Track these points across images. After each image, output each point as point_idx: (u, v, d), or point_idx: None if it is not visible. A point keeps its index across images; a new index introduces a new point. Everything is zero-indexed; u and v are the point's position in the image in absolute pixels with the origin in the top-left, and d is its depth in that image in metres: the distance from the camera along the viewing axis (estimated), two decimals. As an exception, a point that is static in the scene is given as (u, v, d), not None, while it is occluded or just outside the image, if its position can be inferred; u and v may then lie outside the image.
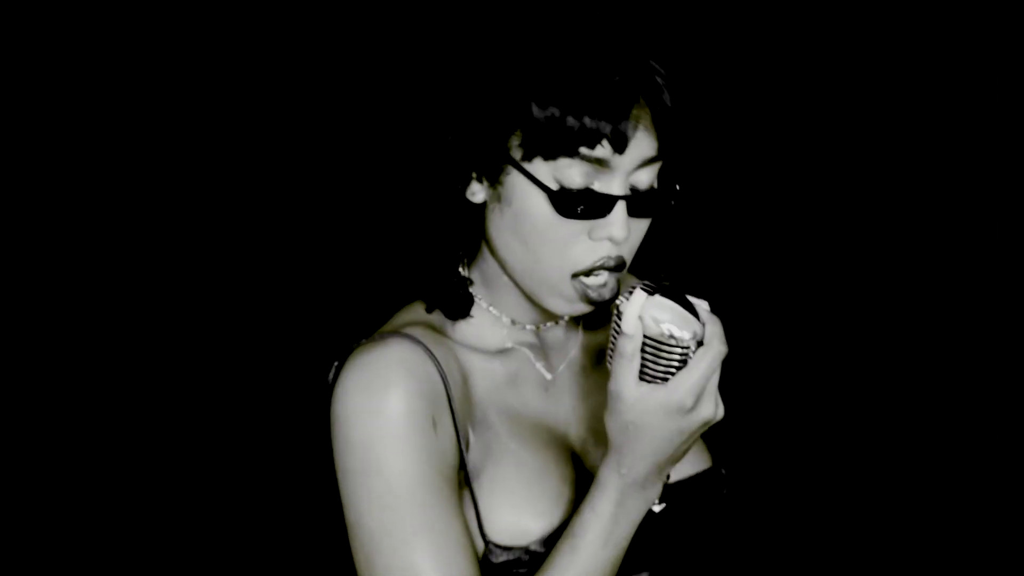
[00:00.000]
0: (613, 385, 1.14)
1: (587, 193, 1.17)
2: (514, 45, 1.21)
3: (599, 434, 1.35)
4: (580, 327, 1.40)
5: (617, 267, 1.22)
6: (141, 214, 2.50)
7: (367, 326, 1.33)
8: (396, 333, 1.23)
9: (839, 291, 2.66)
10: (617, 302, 1.15)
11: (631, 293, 1.13)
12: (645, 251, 1.28)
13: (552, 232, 1.19)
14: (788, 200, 2.67)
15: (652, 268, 1.34)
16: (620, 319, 1.13)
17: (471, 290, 1.32)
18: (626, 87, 1.16)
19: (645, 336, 1.12)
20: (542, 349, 1.35)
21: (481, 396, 1.28)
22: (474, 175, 1.25)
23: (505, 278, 1.29)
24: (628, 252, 1.23)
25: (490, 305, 1.32)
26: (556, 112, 1.15)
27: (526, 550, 1.22)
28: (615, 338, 1.14)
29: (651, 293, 1.13)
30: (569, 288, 1.22)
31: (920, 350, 2.60)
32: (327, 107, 2.50)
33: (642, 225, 1.24)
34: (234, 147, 2.51)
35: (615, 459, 1.16)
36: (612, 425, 1.15)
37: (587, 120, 1.14)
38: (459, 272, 1.31)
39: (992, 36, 2.48)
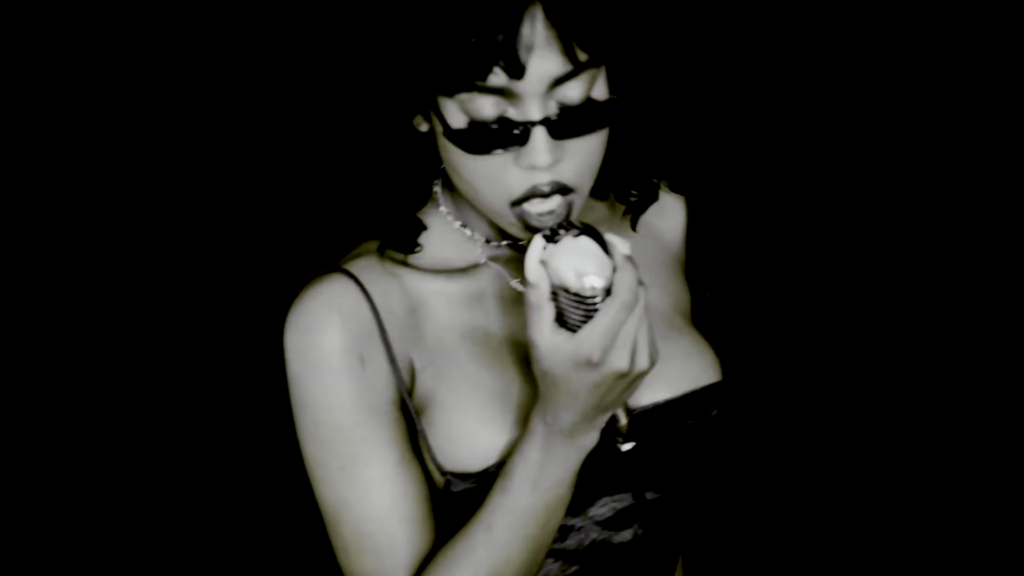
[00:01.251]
0: (529, 333, 1.08)
1: (497, 125, 1.09)
2: None
3: None
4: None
5: (557, 191, 1.12)
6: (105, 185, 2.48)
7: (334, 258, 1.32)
8: (337, 268, 1.22)
9: (838, 285, 2.63)
10: (532, 241, 1.07)
11: (539, 238, 1.07)
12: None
13: (474, 167, 1.13)
14: (793, 193, 2.61)
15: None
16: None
17: (441, 207, 1.28)
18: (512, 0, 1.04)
19: (557, 285, 1.05)
20: (517, 265, 1.28)
21: (438, 321, 1.25)
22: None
23: (465, 203, 1.26)
24: (572, 174, 1.13)
25: (463, 224, 1.28)
26: (438, 46, 1.06)
27: (486, 472, 1.20)
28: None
29: (551, 238, 1.06)
30: (512, 216, 1.14)
31: (919, 345, 2.57)
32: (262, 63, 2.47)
33: (584, 144, 1.12)
34: (197, 106, 2.48)
35: (541, 406, 1.12)
36: (535, 372, 1.10)
37: (470, 49, 1.05)
38: (408, 206, 1.27)
39: (992, 36, 2.45)
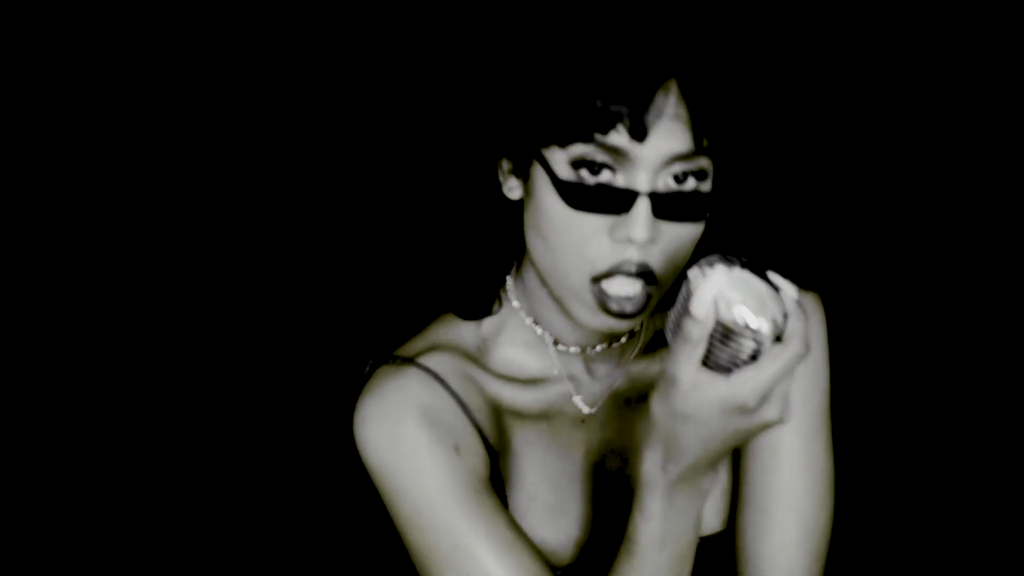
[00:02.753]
0: (671, 368, 1.00)
1: (604, 186, 1.08)
2: (533, 26, 1.13)
3: (634, 470, 1.25)
4: (632, 355, 1.29)
5: (641, 274, 1.09)
6: (167, 218, 2.44)
7: (403, 333, 1.30)
8: (412, 362, 1.22)
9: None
10: (689, 274, 1.00)
11: (708, 267, 0.99)
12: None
13: (567, 228, 1.09)
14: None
15: (733, 245, 1.19)
16: (689, 296, 0.99)
17: (513, 301, 1.25)
18: (652, 66, 1.05)
19: (717, 322, 0.98)
20: (586, 380, 1.27)
21: (507, 426, 1.24)
22: (507, 167, 1.18)
23: (545, 289, 1.21)
24: (660, 262, 1.11)
25: (533, 321, 1.24)
26: (565, 92, 1.06)
27: None
28: (681, 316, 1.00)
29: (729, 266, 0.99)
30: (589, 295, 1.11)
31: (918, 347, 2.46)
32: (348, 105, 2.47)
33: (678, 231, 1.10)
34: (255, 147, 2.47)
35: (659, 453, 1.05)
36: (660, 411, 1.03)
37: (598, 101, 1.04)
38: (496, 276, 1.26)
39: (992, 36, 2.34)
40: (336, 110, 2.37)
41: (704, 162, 1.09)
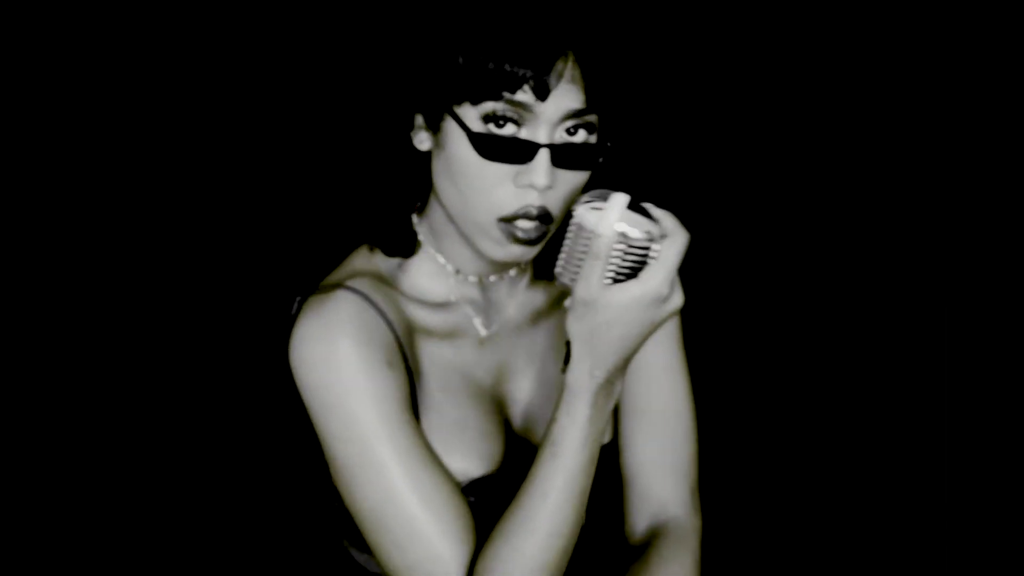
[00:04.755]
0: (583, 290, 1.16)
1: (510, 139, 1.22)
2: None
3: (524, 391, 1.41)
4: (523, 285, 1.44)
5: (541, 216, 1.25)
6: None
7: (320, 270, 1.38)
8: (340, 286, 1.29)
9: (831, 287, 2.66)
10: (575, 211, 1.18)
11: (600, 200, 1.16)
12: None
13: (477, 176, 1.23)
14: (783, 197, 2.65)
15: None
16: (580, 229, 1.16)
17: (420, 238, 1.37)
18: (553, 34, 1.21)
19: (618, 242, 1.16)
20: (483, 305, 1.40)
21: (419, 347, 1.34)
22: (420, 122, 1.30)
23: (450, 227, 1.33)
24: (555, 205, 1.26)
25: (437, 252, 1.37)
26: (481, 57, 1.20)
27: None
28: (574, 247, 1.17)
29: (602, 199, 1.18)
30: (496, 231, 1.25)
31: (917, 349, 2.60)
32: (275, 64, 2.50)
33: (571, 178, 1.26)
34: (190, 98, 2.48)
35: (586, 363, 1.19)
36: (580, 329, 1.18)
37: (508, 65, 1.19)
38: (406, 215, 1.37)
39: (992, 36, 2.46)
40: (259, 62, 2.42)
41: (592, 118, 1.24)
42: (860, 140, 2.61)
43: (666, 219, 1.16)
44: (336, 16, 2.36)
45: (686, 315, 1.45)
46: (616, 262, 1.16)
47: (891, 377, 2.59)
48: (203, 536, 2.42)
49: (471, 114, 1.22)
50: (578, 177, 1.26)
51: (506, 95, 1.20)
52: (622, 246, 1.15)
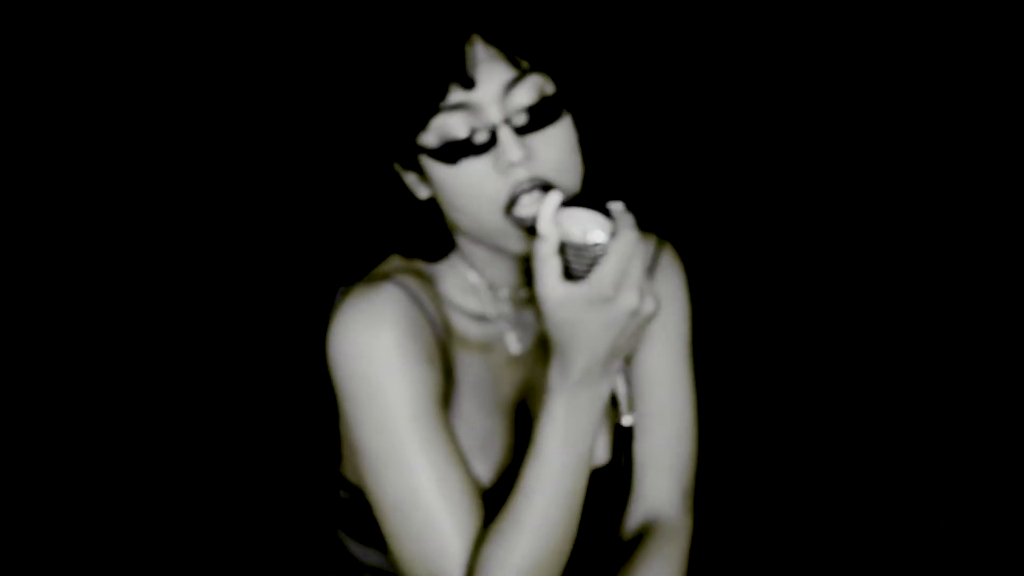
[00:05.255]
0: (538, 289, 1.17)
1: (467, 136, 1.22)
2: (348, 57, 1.28)
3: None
4: None
5: (537, 187, 1.23)
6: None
7: (353, 272, 1.40)
8: (386, 278, 1.31)
9: (834, 287, 2.69)
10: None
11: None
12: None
13: (461, 184, 1.24)
14: (786, 196, 2.68)
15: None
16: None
17: (452, 256, 1.38)
18: (448, 28, 1.21)
19: (566, 242, 1.16)
20: (517, 322, 1.41)
21: (455, 354, 1.36)
22: (405, 171, 1.31)
23: (478, 250, 1.35)
24: (549, 170, 1.24)
25: (469, 269, 1.38)
26: (396, 87, 1.22)
27: None
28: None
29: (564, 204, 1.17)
30: (509, 226, 1.25)
31: (916, 350, 2.63)
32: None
33: (548, 137, 1.24)
34: (205, 137, 2.54)
35: (558, 362, 1.20)
36: (547, 329, 1.19)
37: (424, 78, 1.20)
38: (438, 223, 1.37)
39: (992, 36, 2.50)
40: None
41: (537, 77, 1.23)
42: (859, 139, 2.65)
43: (621, 219, 1.16)
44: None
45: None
46: (575, 261, 1.16)
47: (890, 376, 2.62)
48: (201, 526, 2.44)
49: (430, 138, 1.23)
50: (556, 133, 1.25)
51: (441, 104, 1.21)
52: (575, 246, 1.15)
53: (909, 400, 2.60)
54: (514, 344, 1.40)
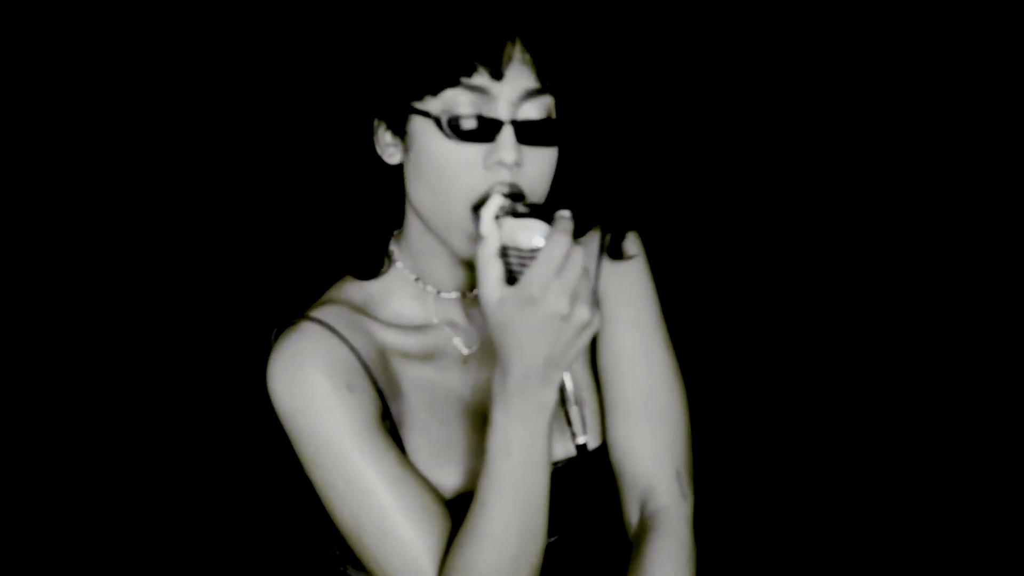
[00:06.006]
0: (479, 290, 1.20)
1: (475, 118, 1.25)
2: None
3: None
4: None
5: (513, 195, 1.26)
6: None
7: (302, 296, 1.42)
8: (307, 318, 1.34)
9: (831, 288, 2.68)
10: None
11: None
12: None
13: (448, 162, 1.26)
14: (780, 197, 2.68)
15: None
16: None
17: (397, 261, 1.40)
18: (500, 18, 1.26)
19: (508, 248, 1.18)
20: (464, 325, 1.42)
21: (397, 370, 1.37)
22: (386, 137, 1.33)
23: (427, 239, 1.35)
24: (528, 184, 1.27)
25: (416, 275, 1.39)
26: (433, 46, 1.25)
27: None
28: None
29: (509, 211, 1.20)
30: (468, 223, 1.27)
31: (916, 350, 2.62)
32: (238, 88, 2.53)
33: (540, 156, 1.28)
34: (151, 133, 2.53)
35: (498, 369, 1.21)
36: (490, 332, 1.20)
37: (461, 51, 1.24)
38: (381, 236, 1.39)
39: (992, 36, 2.51)
40: (219, 88, 2.47)
41: (550, 100, 1.29)
42: (858, 139, 2.64)
43: (559, 224, 1.17)
44: (290, 28, 2.38)
45: (682, 313, 1.47)
46: (517, 268, 1.18)
47: (889, 376, 2.61)
48: (205, 561, 2.44)
49: (434, 105, 1.26)
50: (546, 156, 1.29)
51: (463, 80, 1.24)
52: (514, 251, 1.17)
53: (906, 396, 2.60)
54: (463, 347, 1.41)
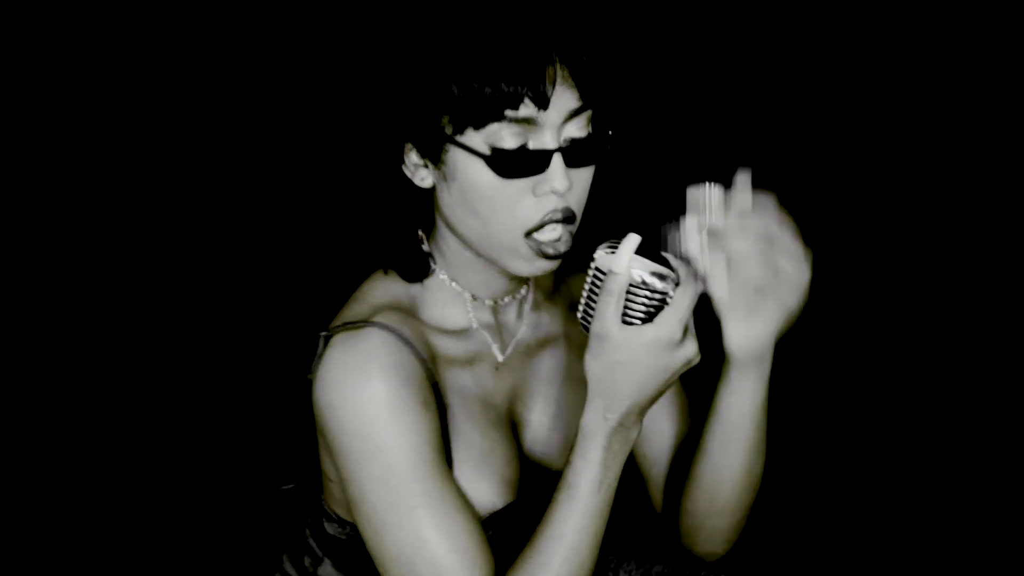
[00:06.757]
0: (599, 327, 1.18)
1: (522, 151, 1.22)
2: (428, 26, 1.26)
3: (536, 414, 1.42)
4: (528, 307, 1.43)
5: (566, 219, 1.26)
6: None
7: (334, 302, 1.37)
8: (369, 323, 1.28)
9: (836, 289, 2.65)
10: (595, 255, 1.20)
11: (613, 243, 1.19)
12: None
13: (497, 196, 1.24)
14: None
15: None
16: (599, 268, 1.19)
17: (433, 265, 1.36)
18: (539, 46, 1.22)
19: (632, 283, 1.17)
20: (497, 329, 1.40)
21: (444, 376, 1.34)
22: (415, 159, 1.29)
23: (466, 253, 1.33)
24: (576, 203, 1.27)
25: (452, 280, 1.36)
26: (476, 83, 1.20)
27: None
28: (598, 282, 1.19)
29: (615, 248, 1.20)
30: (525, 247, 1.26)
31: (915, 350, 2.62)
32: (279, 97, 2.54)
33: (585, 175, 1.28)
34: (192, 139, 2.53)
35: (599, 404, 1.20)
36: (595, 367, 1.19)
37: (504, 84, 1.20)
38: (415, 243, 1.36)
39: (992, 36, 2.49)
40: (266, 107, 2.48)
41: (588, 114, 1.26)
42: (858, 138, 2.63)
43: (682, 268, 1.18)
44: (332, 47, 2.38)
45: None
46: (633, 303, 1.17)
47: (889, 376, 2.61)
48: (205, 562, 2.40)
49: (476, 139, 1.22)
50: (589, 173, 1.28)
51: (508, 113, 1.21)
52: (639, 288, 1.17)
53: (905, 396, 2.59)
54: (499, 353, 1.39)
